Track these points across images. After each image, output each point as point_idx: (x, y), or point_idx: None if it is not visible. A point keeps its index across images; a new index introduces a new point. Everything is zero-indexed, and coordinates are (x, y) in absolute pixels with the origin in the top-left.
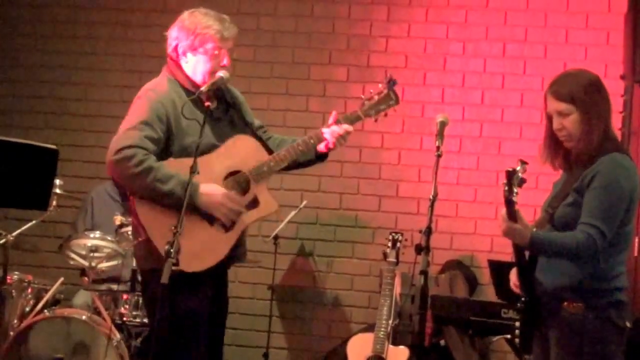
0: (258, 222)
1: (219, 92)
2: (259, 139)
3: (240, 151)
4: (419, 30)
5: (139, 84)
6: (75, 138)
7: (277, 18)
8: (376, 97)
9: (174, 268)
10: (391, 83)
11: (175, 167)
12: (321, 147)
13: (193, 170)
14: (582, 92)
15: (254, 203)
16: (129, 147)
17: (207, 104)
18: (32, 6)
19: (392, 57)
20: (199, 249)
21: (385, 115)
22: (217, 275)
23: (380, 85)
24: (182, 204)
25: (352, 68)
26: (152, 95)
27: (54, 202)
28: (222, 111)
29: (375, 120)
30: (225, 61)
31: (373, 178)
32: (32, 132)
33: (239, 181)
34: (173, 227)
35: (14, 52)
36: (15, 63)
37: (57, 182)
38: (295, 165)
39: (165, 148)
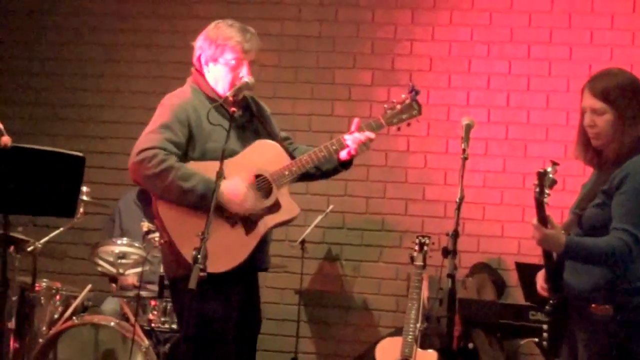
0: (283, 227)
1: (244, 101)
2: (284, 149)
3: (263, 155)
4: (444, 33)
5: (164, 90)
6: (100, 145)
7: (302, 23)
8: (399, 107)
9: (201, 274)
10: (414, 93)
11: (197, 169)
12: (344, 155)
13: (219, 175)
14: (618, 92)
15: (275, 207)
16: (150, 148)
17: (232, 109)
18: (57, 14)
19: (416, 60)
20: (219, 251)
21: (408, 125)
22: (246, 282)
23: (403, 95)
24: (204, 202)
25: (377, 72)
26: (174, 100)
27: (81, 209)
28: (247, 120)
29: (398, 129)
30: (245, 73)
31: (399, 182)
32: (59, 139)
33: (261, 185)
34: (200, 234)
35: (40, 60)
36: (40, 71)
37: (84, 189)
38: (320, 174)
39: (186, 152)
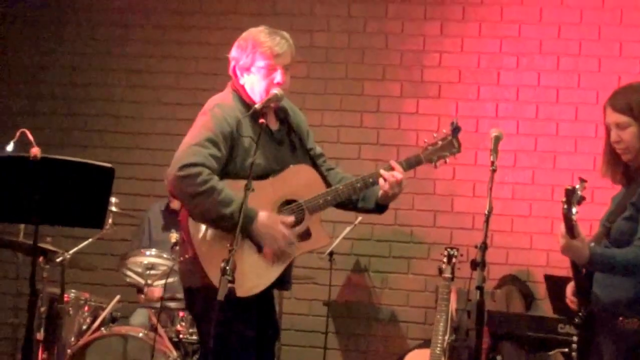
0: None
1: (281, 113)
2: (316, 166)
3: (299, 181)
4: (473, 44)
5: (192, 101)
6: (129, 156)
7: (331, 34)
8: (440, 143)
9: (230, 285)
10: (456, 130)
11: (234, 189)
12: (380, 195)
13: (247, 187)
14: None
15: (306, 235)
16: (195, 164)
17: (261, 120)
18: (86, 26)
19: (445, 72)
20: (244, 275)
21: (445, 162)
22: (263, 300)
23: (444, 130)
24: (234, 230)
25: (406, 83)
26: (217, 112)
27: (110, 220)
28: (284, 134)
29: (435, 167)
30: (279, 78)
31: (428, 193)
32: (88, 150)
33: (293, 211)
34: (229, 245)
35: (69, 71)
36: (70, 81)
37: (113, 200)
38: (354, 207)
39: (225, 166)
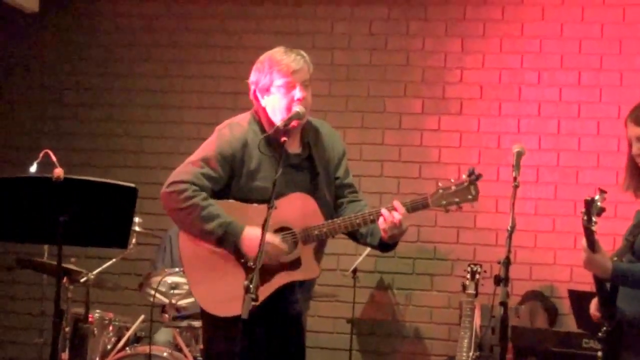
0: (335, 256)
1: (305, 136)
2: (338, 197)
3: (296, 209)
4: (494, 60)
5: (214, 120)
6: (152, 176)
7: (352, 52)
8: (453, 188)
9: (253, 303)
10: (474, 177)
11: (225, 209)
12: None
13: (270, 206)
14: None
15: (296, 264)
16: (182, 182)
17: (283, 139)
18: (109, 47)
19: (467, 88)
20: (227, 296)
21: (460, 209)
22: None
23: (464, 176)
24: (222, 245)
25: (427, 100)
26: (225, 132)
27: (134, 240)
28: (303, 159)
29: (446, 212)
30: (299, 94)
31: (451, 209)
32: (111, 170)
33: (286, 239)
34: (252, 263)
35: (92, 91)
36: (92, 102)
37: (136, 220)
38: (362, 241)
39: (227, 187)
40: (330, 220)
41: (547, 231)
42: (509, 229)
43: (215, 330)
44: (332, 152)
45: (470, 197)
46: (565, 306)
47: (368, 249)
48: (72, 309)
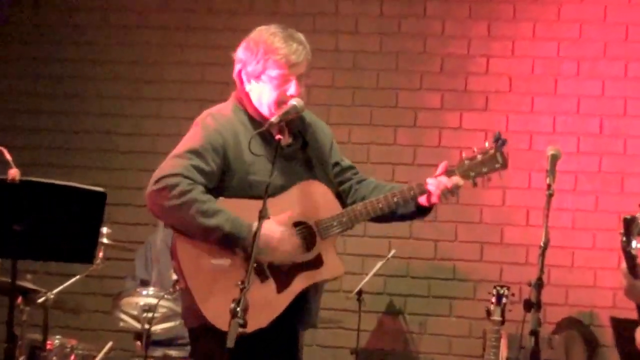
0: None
1: (293, 126)
2: (345, 181)
3: (309, 199)
4: (525, 48)
5: (198, 114)
6: (124, 178)
7: (359, 36)
8: (479, 157)
9: (240, 330)
10: (500, 143)
11: (228, 207)
12: (422, 200)
13: (262, 214)
14: None
15: (316, 263)
16: (172, 175)
17: (277, 136)
18: (73, 28)
19: (493, 80)
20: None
21: (489, 180)
22: (283, 341)
23: (487, 144)
24: (229, 242)
25: (447, 93)
26: (209, 122)
27: (101, 254)
28: (296, 149)
29: (475, 185)
30: (293, 90)
31: (473, 222)
32: (76, 171)
33: (302, 235)
34: (239, 283)
35: (54, 80)
36: (55, 92)
37: (105, 230)
38: (391, 217)
39: (221, 185)
40: (351, 207)
41: (586, 248)
42: (541, 245)
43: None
44: (324, 137)
45: (497, 165)
46: (607, 336)
47: (376, 267)
48: (28, 334)
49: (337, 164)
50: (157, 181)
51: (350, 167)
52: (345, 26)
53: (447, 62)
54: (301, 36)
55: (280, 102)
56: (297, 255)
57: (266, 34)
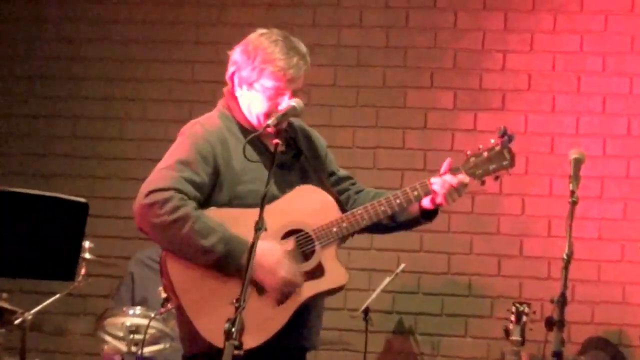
0: (340, 292)
1: (288, 133)
2: (343, 191)
3: (305, 205)
4: (546, 41)
5: (187, 117)
6: (107, 188)
7: (364, 30)
8: (485, 154)
9: (236, 352)
10: (506, 138)
11: (219, 219)
12: (426, 203)
13: (259, 227)
14: None
15: (317, 272)
16: (164, 189)
17: (275, 141)
18: (50, 22)
19: (511, 77)
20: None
21: (496, 179)
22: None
23: (492, 140)
24: (224, 266)
25: (460, 92)
26: (197, 130)
27: (83, 271)
28: (290, 157)
29: (482, 184)
30: (285, 104)
31: (490, 233)
32: (54, 180)
33: (300, 243)
34: (234, 301)
35: (28, 80)
36: (29, 94)
37: (87, 244)
38: (393, 226)
39: (210, 195)
40: (351, 211)
41: (614, 260)
42: (565, 257)
43: None
44: (318, 146)
45: (505, 162)
46: (637, 357)
47: (384, 282)
48: (4, 358)
49: (333, 173)
50: (147, 195)
51: (348, 177)
52: (348, 19)
53: (460, 57)
54: (304, 48)
55: (269, 114)
56: (296, 276)
57: (267, 41)
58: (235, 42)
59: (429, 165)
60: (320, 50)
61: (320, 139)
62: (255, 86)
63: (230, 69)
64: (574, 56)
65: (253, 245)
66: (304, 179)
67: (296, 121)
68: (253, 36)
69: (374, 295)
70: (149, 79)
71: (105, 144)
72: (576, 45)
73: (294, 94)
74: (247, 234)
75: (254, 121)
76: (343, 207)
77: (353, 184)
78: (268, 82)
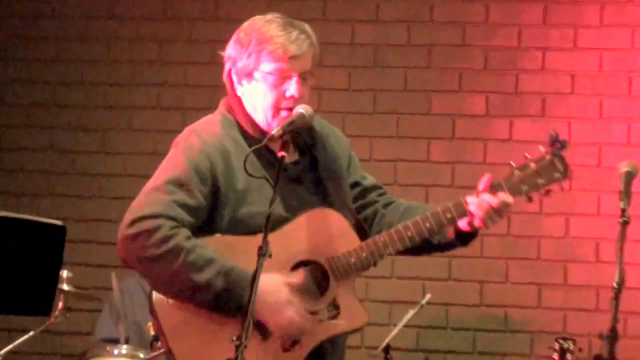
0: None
1: (300, 138)
2: (369, 205)
3: (319, 231)
4: (591, 37)
5: (179, 126)
6: (89, 209)
7: (381, 25)
8: (533, 166)
9: None
10: (558, 146)
11: (221, 248)
12: (463, 225)
13: (263, 252)
14: None
15: (332, 310)
16: (152, 216)
17: (280, 153)
18: (19, 16)
19: (551, 79)
20: None
21: (547, 193)
22: None
23: (541, 148)
24: (222, 303)
25: (493, 96)
26: (193, 141)
27: (60, 304)
28: (304, 168)
29: (529, 200)
30: (294, 90)
31: (529, 258)
32: (24, 200)
33: (313, 275)
34: (235, 339)
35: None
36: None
37: (64, 274)
38: (425, 248)
39: (209, 219)
40: (372, 238)
41: None
42: (615, 286)
43: None
44: (339, 151)
45: (558, 175)
46: None
47: (408, 315)
48: None
49: (357, 183)
50: (131, 224)
51: (375, 187)
52: (363, 12)
53: (493, 56)
54: (306, 26)
55: (278, 106)
56: (303, 322)
57: (260, 21)
58: (227, 40)
59: (457, 181)
60: (331, 49)
61: (344, 142)
62: (255, 75)
63: (226, 66)
64: (624, 54)
65: (256, 273)
66: (321, 194)
67: (315, 121)
68: (244, 24)
69: (395, 331)
70: (135, 82)
71: (85, 157)
72: (627, 41)
73: (303, 78)
74: (252, 266)
75: (261, 121)
76: (364, 230)
77: (381, 194)
78: (268, 66)
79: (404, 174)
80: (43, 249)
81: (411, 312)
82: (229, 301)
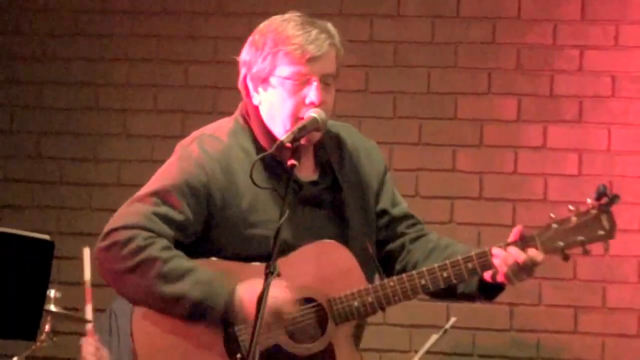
0: (376, 353)
1: (322, 153)
2: (393, 238)
3: (323, 267)
4: (635, 34)
5: (179, 132)
6: (79, 221)
7: (401, 21)
8: (574, 220)
9: None
10: (607, 200)
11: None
12: (487, 276)
13: (272, 270)
14: None
15: (325, 357)
16: (126, 227)
17: (290, 162)
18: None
19: (589, 81)
20: None
21: (585, 252)
22: None
23: (588, 200)
24: (201, 316)
25: (526, 99)
26: (193, 150)
27: (47, 327)
28: (323, 189)
29: (565, 259)
30: (314, 96)
31: (564, 279)
32: (6, 212)
33: (310, 316)
34: (238, 357)
35: None
36: None
37: (52, 293)
38: (444, 295)
39: (204, 239)
40: (379, 283)
41: None
42: None
43: None
44: (370, 171)
45: (602, 232)
46: None
47: (431, 341)
48: None
49: (384, 212)
50: (106, 235)
51: (406, 217)
52: (383, 7)
53: (525, 55)
54: (328, 25)
55: (297, 115)
56: (297, 348)
57: (277, 21)
58: (237, 37)
59: (485, 193)
60: (348, 47)
61: (377, 160)
62: (272, 81)
63: (242, 72)
64: None
65: (264, 291)
66: (336, 222)
67: (346, 134)
68: (261, 25)
69: (416, 358)
70: (130, 82)
71: (76, 165)
72: None
73: (325, 83)
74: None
75: (279, 134)
76: (391, 267)
77: (411, 225)
78: (285, 70)
79: (427, 185)
80: (28, 266)
81: (434, 337)
82: (206, 311)
